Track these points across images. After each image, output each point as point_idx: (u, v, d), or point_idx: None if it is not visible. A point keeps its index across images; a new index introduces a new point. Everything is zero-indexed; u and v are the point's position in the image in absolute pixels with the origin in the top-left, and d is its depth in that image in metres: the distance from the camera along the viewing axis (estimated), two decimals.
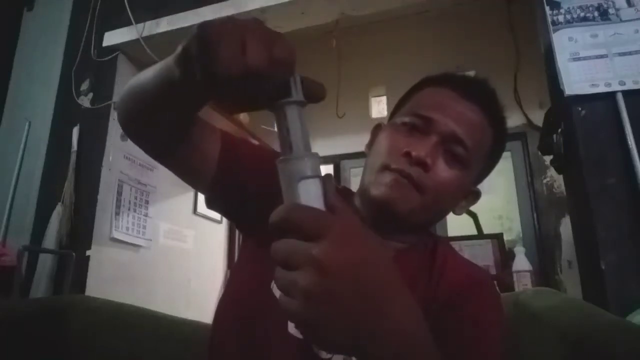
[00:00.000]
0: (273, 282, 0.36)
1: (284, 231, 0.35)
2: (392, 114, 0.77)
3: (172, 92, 0.48)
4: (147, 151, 0.63)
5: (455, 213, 0.73)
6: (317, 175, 0.38)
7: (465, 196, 0.73)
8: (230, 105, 0.49)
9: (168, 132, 0.58)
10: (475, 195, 0.74)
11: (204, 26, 0.38)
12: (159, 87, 0.49)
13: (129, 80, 0.58)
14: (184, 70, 0.43)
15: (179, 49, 0.43)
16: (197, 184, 0.69)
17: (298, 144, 0.38)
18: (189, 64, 0.40)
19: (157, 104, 0.52)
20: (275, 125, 0.40)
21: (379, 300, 0.36)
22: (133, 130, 0.61)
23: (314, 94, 0.40)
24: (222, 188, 0.66)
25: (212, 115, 2.31)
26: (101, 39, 2.44)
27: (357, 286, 0.35)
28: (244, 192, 0.66)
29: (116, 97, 2.34)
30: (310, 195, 0.37)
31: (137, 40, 2.29)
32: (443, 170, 0.65)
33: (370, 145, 0.75)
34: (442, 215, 0.74)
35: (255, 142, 0.81)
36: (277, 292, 0.40)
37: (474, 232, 2.33)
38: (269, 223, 0.36)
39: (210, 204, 0.70)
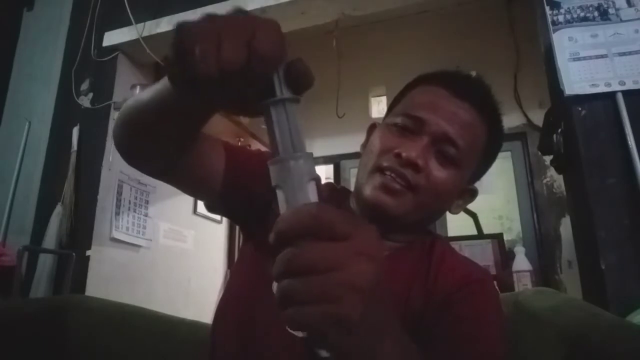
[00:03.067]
0: (274, 282, 0.34)
1: (312, 234, 0.32)
2: (387, 112, 0.77)
3: (169, 110, 0.45)
4: (147, 172, 0.61)
5: (451, 212, 0.73)
6: (312, 177, 0.35)
7: (460, 195, 0.72)
8: (221, 109, 0.46)
9: (170, 151, 0.55)
10: (472, 194, 0.74)
11: (178, 28, 0.34)
12: (157, 106, 0.47)
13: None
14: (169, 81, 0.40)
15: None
16: (200, 196, 0.70)
17: (288, 144, 0.35)
18: (168, 72, 0.37)
19: (157, 124, 0.50)
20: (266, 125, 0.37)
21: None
22: (132, 154, 0.58)
23: (301, 85, 0.36)
24: (227, 198, 0.66)
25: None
26: (101, 39, 2.44)
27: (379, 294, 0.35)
28: (249, 200, 0.66)
29: (116, 96, 2.34)
30: (307, 197, 0.34)
31: (137, 40, 2.29)
32: (435, 170, 0.65)
33: (365, 144, 0.75)
34: (438, 215, 0.74)
35: (255, 149, 0.80)
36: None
37: (474, 232, 2.33)
38: (284, 226, 0.32)
39: (212, 210, 0.71)
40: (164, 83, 0.43)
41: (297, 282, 0.31)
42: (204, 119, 0.49)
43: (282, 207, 0.35)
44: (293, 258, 0.31)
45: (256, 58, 0.32)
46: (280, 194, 0.35)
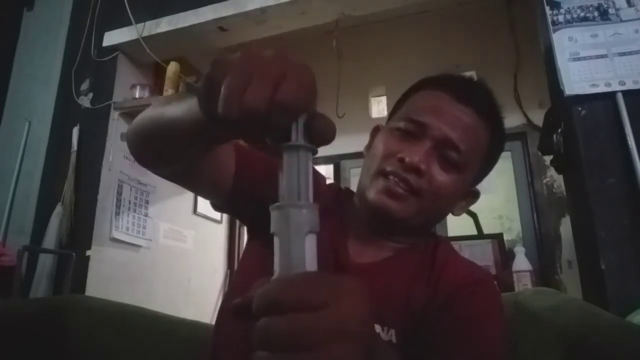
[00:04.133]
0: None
1: (282, 309, 0.30)
2: (390, 115, 0.77)
3: (192, 127, 0.45)
4: (158, 174, 0.62)
5: (454, 214, 0.74)
6: (311, 230, 0.34)
7: (463, 197, 0.73)
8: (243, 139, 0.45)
9: (186, 159, 0.56)
10: (474, 195, 0.75)
11: (214, 62, 0.35)
12: (181, 122, 0.47)
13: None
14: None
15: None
16: (208, 196, 0.70)
17: (293, 192, 0.34)
18: (199, 101, 0.38)
19: (179, 138, 0.50)
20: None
21: None
22: (148, 160, 0.59)
23: (320, 137, 0.35)
24: (236, 199, 0.67)
25: None
26: (101, 39, 2.44)
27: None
28: (258, 201, 0.66)
29: (116, 96, 2.34)
30: (302, 251, 0.33)
31: (137, 40, 2.28)
32: (438, 175, 0.66)
33: (368, 147, 0.75)
34: (441, 217, 0.75)
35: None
36: None
37: (474, 232, 2.33)
38: (260, 304, 0.30)
39: (219, 210, 0.72)
40: (191, 103, 0.43)
41: (279, 357, 0.29)
42: (226, 141, 0.50)
43: (276, 255, 0.34)
44: (266, 331, 0.30)
45: (276, 108, 0.32)
46: (276, 242, 0.34)
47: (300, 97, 0.33)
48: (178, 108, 0.47)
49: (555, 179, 2.49)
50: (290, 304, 0.30)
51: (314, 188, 0.36)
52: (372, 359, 0.34)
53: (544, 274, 2.39)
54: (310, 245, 0.34)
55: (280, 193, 0.35)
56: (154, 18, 2.30)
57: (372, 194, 0.66)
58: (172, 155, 0.55)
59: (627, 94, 1.38)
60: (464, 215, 2.35)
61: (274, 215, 0.34)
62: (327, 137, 0.36)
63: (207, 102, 0.35)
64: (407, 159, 0.64)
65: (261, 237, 0.73)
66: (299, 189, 0.34)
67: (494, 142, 0.72)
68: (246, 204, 0.68)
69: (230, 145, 0.66)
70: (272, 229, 0.34)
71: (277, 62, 0.34)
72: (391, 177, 0.65)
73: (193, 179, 0.63)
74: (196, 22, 2.19)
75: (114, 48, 2.41)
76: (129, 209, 2.32)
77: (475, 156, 0.69)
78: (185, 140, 0.49)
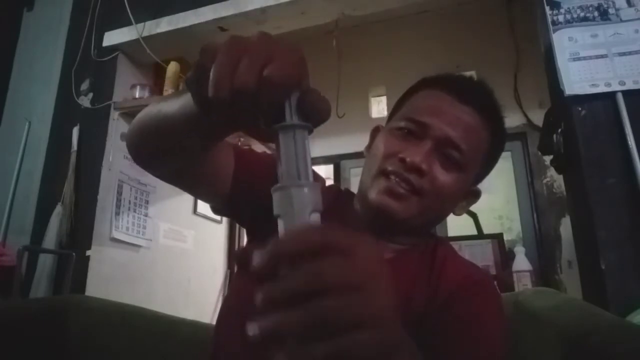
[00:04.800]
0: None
1: (319, 254, 0.30)
2: (390, 115, 0.77)
3: (189, 123, 0.46)
4: (157, 176, 0.61)
5: (455, 214, 0.74)
6: (315, 208, 0.34)
7: (464, 197, 0.73)
8: (237, 130, 0.45)
9: (185, 159, 0.56)
10: (475, 195, 0.75)
11: (202, 49, 0.35)
12: (178, 118, 0.47)
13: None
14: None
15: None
16: (207, 199, 0.70)
17: (293, 172, 0.34)
18: (190, 91, 0.38)
19: (177, 135, 0.50)
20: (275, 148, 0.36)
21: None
22: (146, 160, 0.59)
23: (316, 114, 0.35)
24: (235, 202, 0.67)
25: None
26: (101, 39, 2.44)
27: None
28: (257, 204, 0.66)
29: (116, 96, 2.34)
30: None
31: (137, 40, 2.28)
32: (439, 174, 0.66)
33: (369, 147, 0.75)
34: (442, 217, 0.75)
35: (262, 152, 0.80)
36: None
37: (474, 232, 2.33)
38: (285, 246, 0.31)
39: (218, 212, 0.71)
40: (186, 98, 0.43)
41: (317, 309, 0.29)
42: (222, 135, 0.49)
43: None
44: (320, 273, 0.29)
45: (265, 85, 0.32)
46: (280, 224, 0.34)
47: (290, 72, 0.33)
48: (174, 104, 0.47)
49: (555, 179, 2.49)
50: (332, 249, 0.30)
51: None
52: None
53: (544, 274, 2.39)
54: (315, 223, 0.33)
55: (279, 174, 0.35)
56: (154, 18, 2.30)
57: (373, 194, 0.66)
58: (169, 152, 0.54)
59: (627, 94, 1.38)
60: (464, 215, 2.33)
61: (276, 197, 0.34)
62: (322, 114, 0.35)
63: (198, 90, 0.35)
64: (408, 159, 0.64)
65: (261, 238, 0.73)
66: (297, 169, 0.34)
67: (495, 141, 0.72)
68: (246, 205, 0.68)
69: (229, 146, 0.66)
70: (276, 211, 0.34)
71: (264, 43, 0.34)
72: (392, 177, 0.65)
73: (191, 180, 0.62)
74: (196, 22, 2.19)
75: (114, 48, 2.41)
76: (129, 209, 2.31)
77: (476, 156, 0.69)
78: (181, 135, 0.49)
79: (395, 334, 0.34)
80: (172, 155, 0.55)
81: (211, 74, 0.33)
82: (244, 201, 0.67)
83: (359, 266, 0.30)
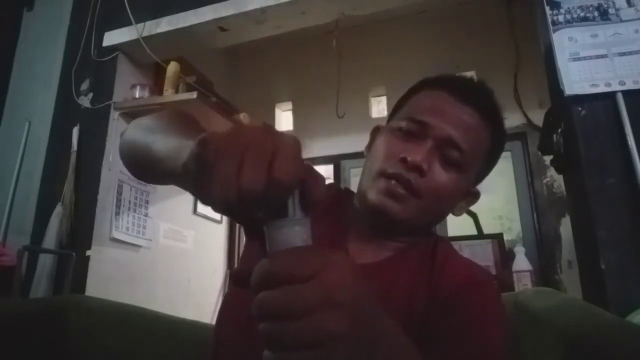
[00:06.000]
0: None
1: (272, 283, 0.31)
2: (390, 116, 0.78)
3: (180, 183, 0.43)
4: (154, 184, 0.62)
5: (454, 214, 0.74)
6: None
7: (464, 197, 0.73)
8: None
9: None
10: (475, 196, 0.75)
11: (203, 142, 0.33)
12: (170, 170, 0.44)
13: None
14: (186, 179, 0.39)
15: (185, 157, 0.36)
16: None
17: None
18: (188, 179, 0.37)
19: (168, 180, 0.48)
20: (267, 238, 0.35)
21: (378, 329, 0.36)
22: (141, 179, 0.60)
23: (315, 206, 0.35)
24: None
25: (213, 115, 2.31)
26: (101, 39, 2.44)
27: (365, 318, 0.34)
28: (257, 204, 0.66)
29: (116, 96, 2.34)
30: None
31: (137, 40, 2.28)
32: (440, 174, 0.66)
33: (369, 147, 0.75)
34: (442, 218, 0.75)
35: None
36: None
37: (474, 232, 2.33)
38: (255, 279, 0.32)
39: (217, 210, 0.71)
40: (180, 147, 0.41)
41: (276, 327, 0.31)
42: None
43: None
44: (261, 304, 0.32)
45: (273, 186, 0.32)
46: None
47: (296, 170, 0.33)
48: (167, 144, 0.46)
49: (555, 179, 2.49)
50: (281, 277, 0.31)
51: None
52: (371, 328, 0.35)
53: (544, 274, 2.39)
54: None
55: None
56: (154, 18, 2.30)
57: (373, 195, 0.66)
58: (160, 181, 0.54)
59: (627, 94, 1.38)
60: (464, 215, 2.33)
61: (275, 233, 0.35)
62: (320, 204, 0.36)
63: (200, 187, 0.34)
64: (409, 159, 0.64)
65: (260, 237, 0.72)
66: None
67: (495, 142, 0.72)
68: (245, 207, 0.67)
69: None
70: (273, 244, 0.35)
71: (265, 138, 0.33)
72: (392, 178, 0.65)
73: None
74: (196, 22, 2.19)
75: (114, 48, 2.41)
76: (129, 209, 2.31)
77: (476, 156, 0.69)
78: (171, 182, 0.47)
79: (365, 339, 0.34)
80: (165, 182, 0.54)
81: (216, 175, 0.32)
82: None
83: (316, 290, 0.31)
